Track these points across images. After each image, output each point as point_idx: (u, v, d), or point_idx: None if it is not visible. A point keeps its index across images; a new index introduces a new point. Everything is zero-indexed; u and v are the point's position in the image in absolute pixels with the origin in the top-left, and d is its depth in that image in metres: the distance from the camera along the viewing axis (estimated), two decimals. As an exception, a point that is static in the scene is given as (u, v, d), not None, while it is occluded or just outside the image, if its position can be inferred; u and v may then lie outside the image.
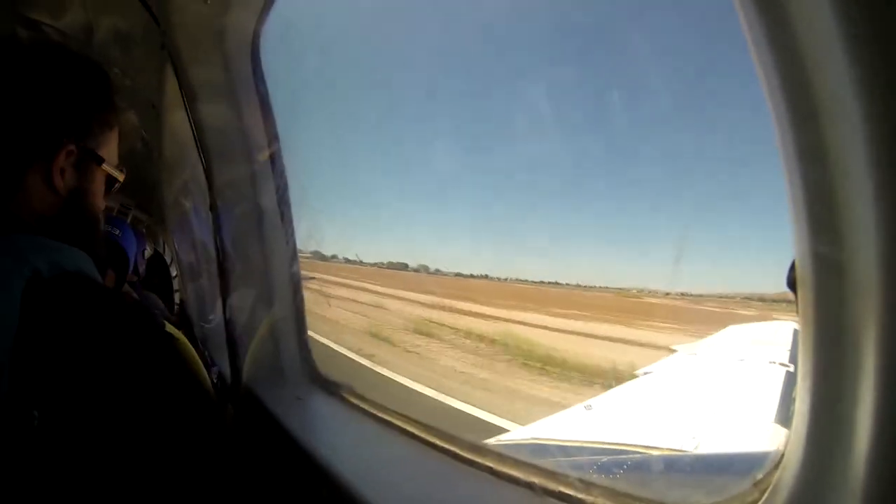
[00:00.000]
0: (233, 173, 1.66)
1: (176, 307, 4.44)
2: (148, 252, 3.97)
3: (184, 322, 3.78)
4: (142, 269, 3.62)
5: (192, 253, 3.49)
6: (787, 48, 0.40)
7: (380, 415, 1.31)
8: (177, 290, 4.69)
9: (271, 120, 1.60)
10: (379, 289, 16.89)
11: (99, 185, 1.03)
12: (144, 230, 4.40)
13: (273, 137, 1.63)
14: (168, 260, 4.78)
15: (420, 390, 7.41)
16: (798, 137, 0.42)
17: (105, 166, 1.01)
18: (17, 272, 0.79)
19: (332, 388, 1.53)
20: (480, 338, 11.28)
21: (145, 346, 0.88)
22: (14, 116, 0.92)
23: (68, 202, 0.96)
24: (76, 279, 0.88)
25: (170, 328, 1.04)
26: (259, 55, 1.50)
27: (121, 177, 1.07)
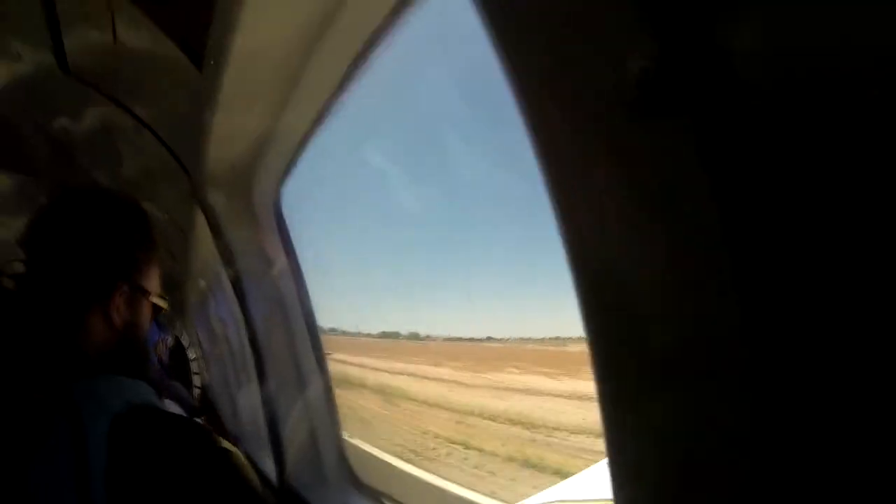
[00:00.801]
0: (260, 293, 1.89)
1: (196, 390, 4.58)
2: (171, 342, 4.14)
3: (206, 407, 3.92)
4: (165, 358, 3.82)
5: (215, 344, 3.64)
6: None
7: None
8: (196, 374, 4.84)
9: (293, 249, 1.82)
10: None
11: (147, 315, 1.11)
12: (164, 319, 4.55)
13: (292, 256, 1.85)
14: (186, 344, 4.93)
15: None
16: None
17: (152, 297, 1.10)
18: (101, 417, 0.86)
19: (373, 495, 1.67)
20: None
21: (216, 468, 0.96)
22: (76, 265, 0.99)
23: (123, 335, 1.04)
24: (148, 413, 0.96)
25: (224, 443, 1.17)
26: (281, 205, 1.73)
27: (165, 304, 1.16)
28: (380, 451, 1.78)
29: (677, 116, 0.41)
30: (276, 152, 1.63)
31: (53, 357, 0.96)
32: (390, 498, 1.62)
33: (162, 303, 1.14)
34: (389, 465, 1.71)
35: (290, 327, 1.85)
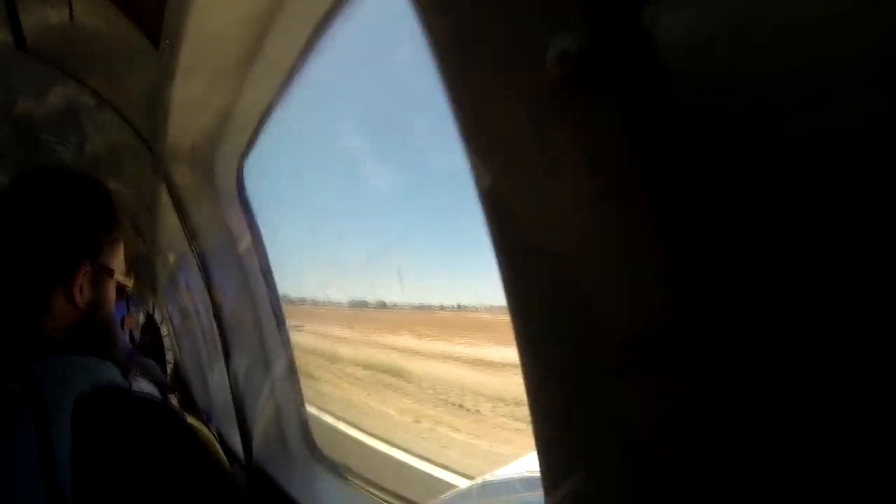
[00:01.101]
0: (224, 268, 1.90)
1: (169, 366, 4.57)
2: (142, 318, 4.12)
3: (178, 383, 3.92)
4: (137, 335, 3.80)
5: (184, 319, 3.64)
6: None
7: (385, 498, 1.46)
8: (169, 350, 4.83)
9: (255, 225, 1.84)
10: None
11: (112, 294, 1.11)
12: (136, 295, 4.52)
13: (255, 231, 1.87)
14: (158, 320, 4.90)
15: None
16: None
17: (116, 276, 1.11)
18: (65, 399, 0.84)
19: (336, 468, 1.71)
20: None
21: (182, 448, 0.98)
22: (37, 245, 1.00)
23: (87, 314, 1.03)
24: (113, 394, 0.94)
25: (192, 421, 1.17)
26: (244, 179, 1.75)
27: (130, 283, 1.16)
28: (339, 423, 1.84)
29: (603, 88, 0.42)
30: (237, 127, 1.64)
31: (16, 339, 0.96)
32: (352, 471, 1.65)
33: (127, 281, 1.14)
34: (352, 438, 1.75)
35: (254, 302, 1.88)
